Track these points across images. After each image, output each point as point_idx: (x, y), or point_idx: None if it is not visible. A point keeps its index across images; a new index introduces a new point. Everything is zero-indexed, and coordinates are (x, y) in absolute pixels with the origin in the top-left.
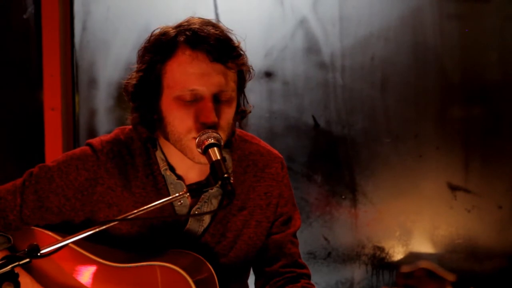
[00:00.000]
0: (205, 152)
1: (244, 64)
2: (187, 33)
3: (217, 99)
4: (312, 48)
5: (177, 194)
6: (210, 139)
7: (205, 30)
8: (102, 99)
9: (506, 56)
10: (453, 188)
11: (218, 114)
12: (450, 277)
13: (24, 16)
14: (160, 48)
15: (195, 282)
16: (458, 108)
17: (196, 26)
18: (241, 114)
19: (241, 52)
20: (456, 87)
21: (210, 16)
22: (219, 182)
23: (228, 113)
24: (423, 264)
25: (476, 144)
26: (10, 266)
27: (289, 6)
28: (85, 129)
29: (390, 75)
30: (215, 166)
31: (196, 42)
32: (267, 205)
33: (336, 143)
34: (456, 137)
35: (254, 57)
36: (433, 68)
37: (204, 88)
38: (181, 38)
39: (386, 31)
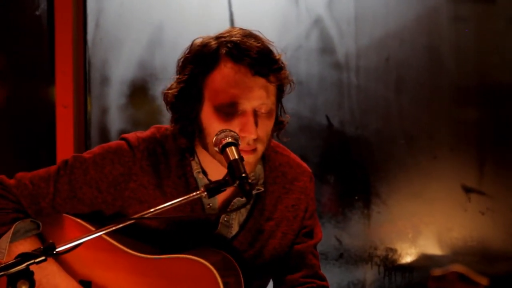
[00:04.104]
0: (222, 151)
1: (286, 77)
2: (229, 45)
3: (257, 112)
4: (326, 48)
5: (194, 193)
6: (227, 138)
7: (247, 43)
8: (114, 97)
9: None
10: (467, 190)
11: (257, 126)
12: (483, 281)
13: (37, 13)
14: (202, 60)
15: (222, 278)
16: (473, 110)
17: (238, 38)
18: (279, 125)
19: (282, 65)
20: (471, 89)
21: (224, 15)
22: (237, 182)
23: (268, 125)
24: (455, 267)
25: (491, 146)
26: (25, 264)
27: (304, 5)
28: (97, 127)
29: (405, 76)
30: (232, 166)
31: (238, 55)
32: (294, 218)
33: (349, 143)
34: (470, 139)
35: None
36: (448, 69)
37: (246, 102)
38: (223, 51)
39: (402, 32)
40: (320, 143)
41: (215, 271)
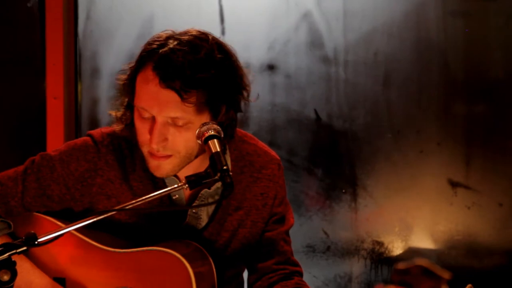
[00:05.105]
0: (205, 143)
1: (207, 94)
2: (159, 51)
3: (172, 122)
4: (315, 42)
5: (175, 185)
6: (210, 131)
7: (175, 55)
8: (105, 88)
9: (510, 53)
10: (454, 184)
11: (169, 136)
12: (446, 274)
13: (28, 5)
14: (140, 57)
15: (193, 269)
16: (460, 105)
17: (173, 45)
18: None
19: (206, 83)
20: (459, 84)
21: (214, 8)
22: (218, 174)
23: (184, 136)
24: (419, 261)
25: (478, 141)
26: (7, 254)
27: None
28: (87, 118)
29: (393, 71)
30: (214, 158)
31: (158, 64)
32: (263, 206)
33: (337, 137)
34: (457, 134)
35: (257, 49)
36: (436, 64)
37: (156, 112)
38: (154, 55)
39: (390, 27)
40: (308, 136)
41: (185, 262)
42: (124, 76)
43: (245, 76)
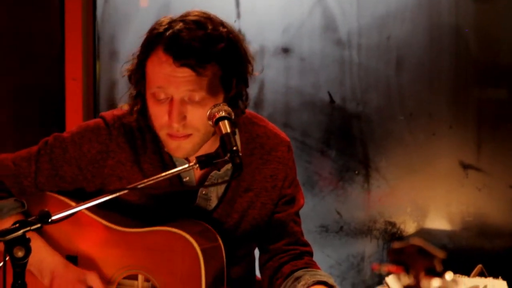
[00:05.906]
0: (215, 124)
1: (220, 69)
2: (167, 33)
3: (188, 100)
4: (329, 26)
5: (186, 165)
6: (221, 112)
7: (184, 33)
8: (122, 70)
9: None
10: (465, 166)
11: (187, 114)
12: (440, 254)
13: None
14: (146, 44)
15: (201, 247)
16: (472, 89)
17: (180, 26)
18: (234, 106)
19: (218, 57)
20: (471, 68)
21: None
22: (228, 155)
23: (199, 114)
24: (414, 241)
25: (489, 124)
26: (21, 230)
27: None
28: (105, 99)
29: (406, 55)
30: (224, 139)
31: (169, 45)
32: (272, 187)
33: (350, 119)
34: (469, 117)
35: (272, 33)
36: (448, 48)
37: (172, 91)
38: (162, 38)
39: (403, 11)
40: (322, 118)
41: (192, 240)
42: (131, 67)
43: (248, 49)
